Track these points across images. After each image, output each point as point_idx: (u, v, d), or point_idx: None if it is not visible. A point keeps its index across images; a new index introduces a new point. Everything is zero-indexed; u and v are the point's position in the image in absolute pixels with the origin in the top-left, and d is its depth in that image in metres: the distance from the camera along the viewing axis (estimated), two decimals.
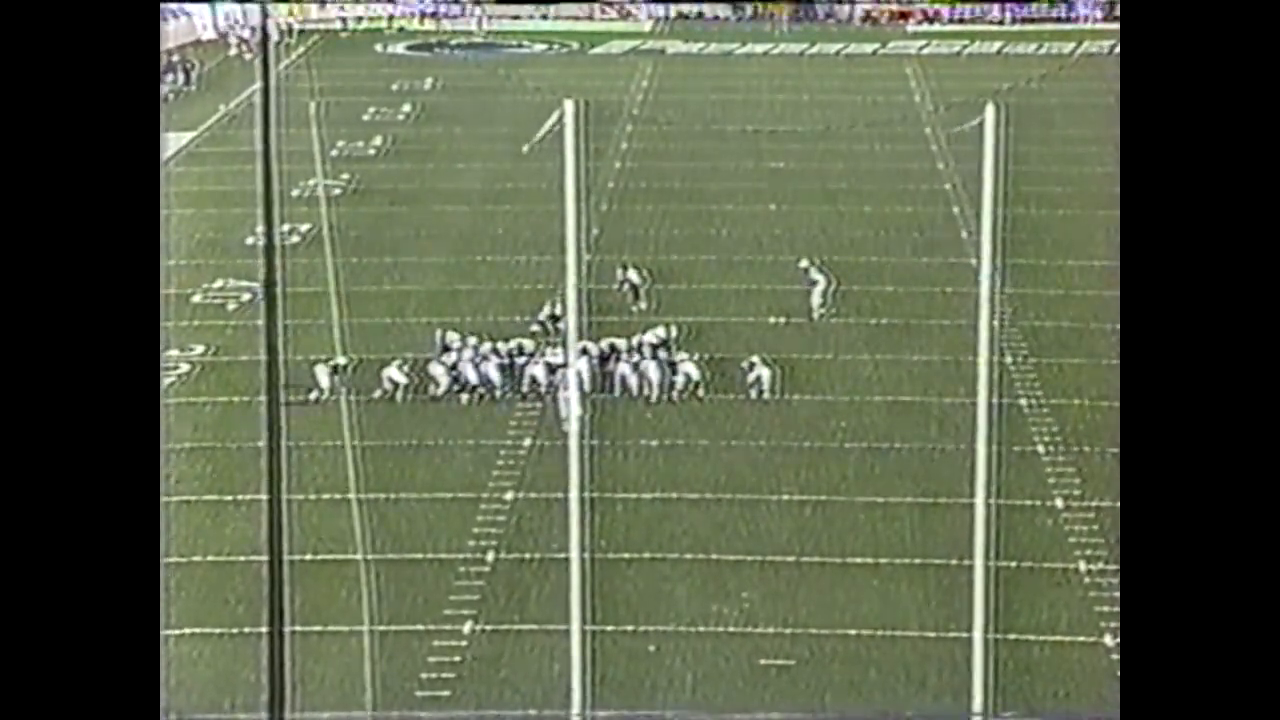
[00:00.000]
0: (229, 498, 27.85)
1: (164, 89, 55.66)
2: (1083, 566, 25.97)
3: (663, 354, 32.32)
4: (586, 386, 30.12)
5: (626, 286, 35.67)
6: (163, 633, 24.15)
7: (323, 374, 30.95)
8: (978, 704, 18.97)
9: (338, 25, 68.69)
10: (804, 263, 36.89)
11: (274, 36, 57.44)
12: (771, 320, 35.73)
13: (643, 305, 35.41)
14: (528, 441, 29.89)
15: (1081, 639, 24.07)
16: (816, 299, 36.09)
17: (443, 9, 69.76)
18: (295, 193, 38.81)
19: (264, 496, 20.29)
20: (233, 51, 62.58)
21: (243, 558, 25.31)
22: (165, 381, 32.81)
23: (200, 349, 34.16)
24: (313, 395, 30.62)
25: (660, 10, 71.17)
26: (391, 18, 69.60)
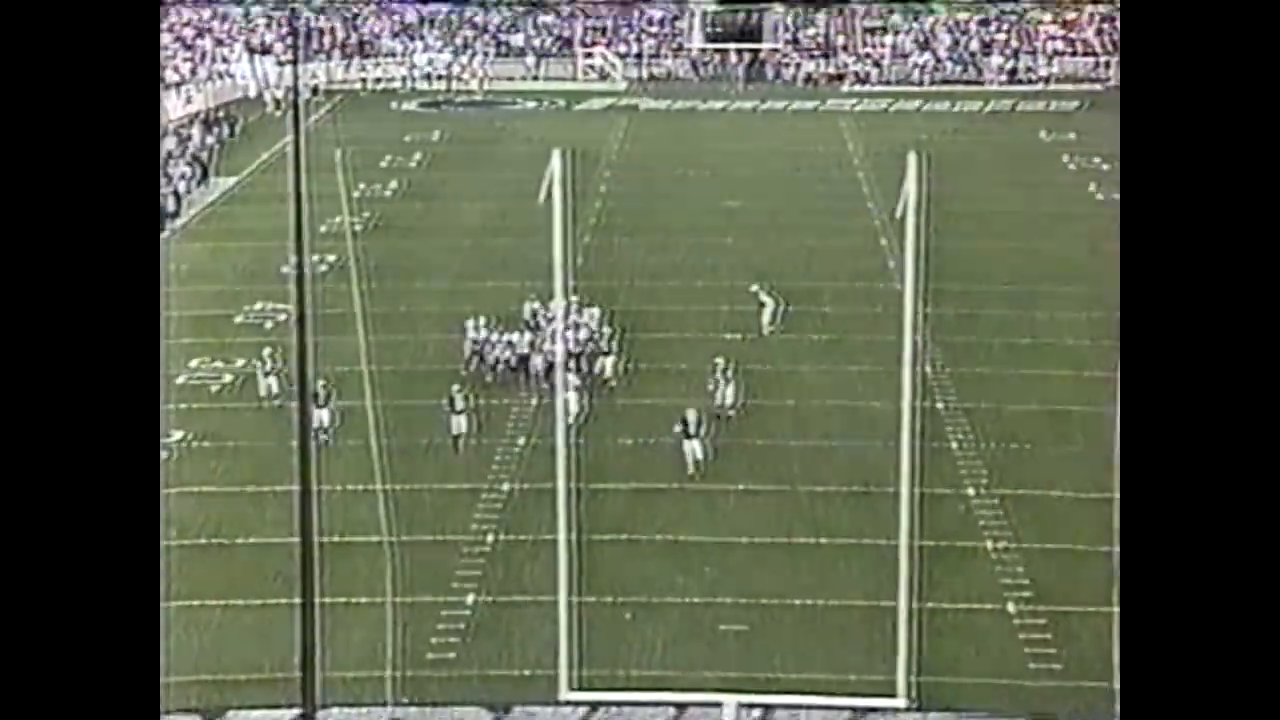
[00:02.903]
0: (266, 489, 27.81)
1: (210, 140, 55.50)
2: (989, 545, 26.07)
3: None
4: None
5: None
6: (207, 603, 24.27)
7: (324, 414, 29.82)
8: (901, 660, 18.91)
9: (358, 86, 68.58)
10: (755, 287, 36.91)
11: (304, 95, 57.37)
12: (728, 336, 35.77)
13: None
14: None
15: (989, 606, 24.19)
16: (766, 318, 36.13)
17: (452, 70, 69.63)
18: (323, 228, 38.74)
19: (296, 487, 20.28)
20: (269, 108, 62.44)
21: (278, 540, 25.26)
22: (213, 388, 32.79)
23: (242, 362, 34.06)
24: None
25: (633, 72, 71.17)
26: (405, 79, 69.48)
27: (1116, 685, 20.76)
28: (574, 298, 33.13)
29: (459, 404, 30.21)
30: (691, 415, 28.85)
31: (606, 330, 34.01)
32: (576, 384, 31.19)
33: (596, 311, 34.50)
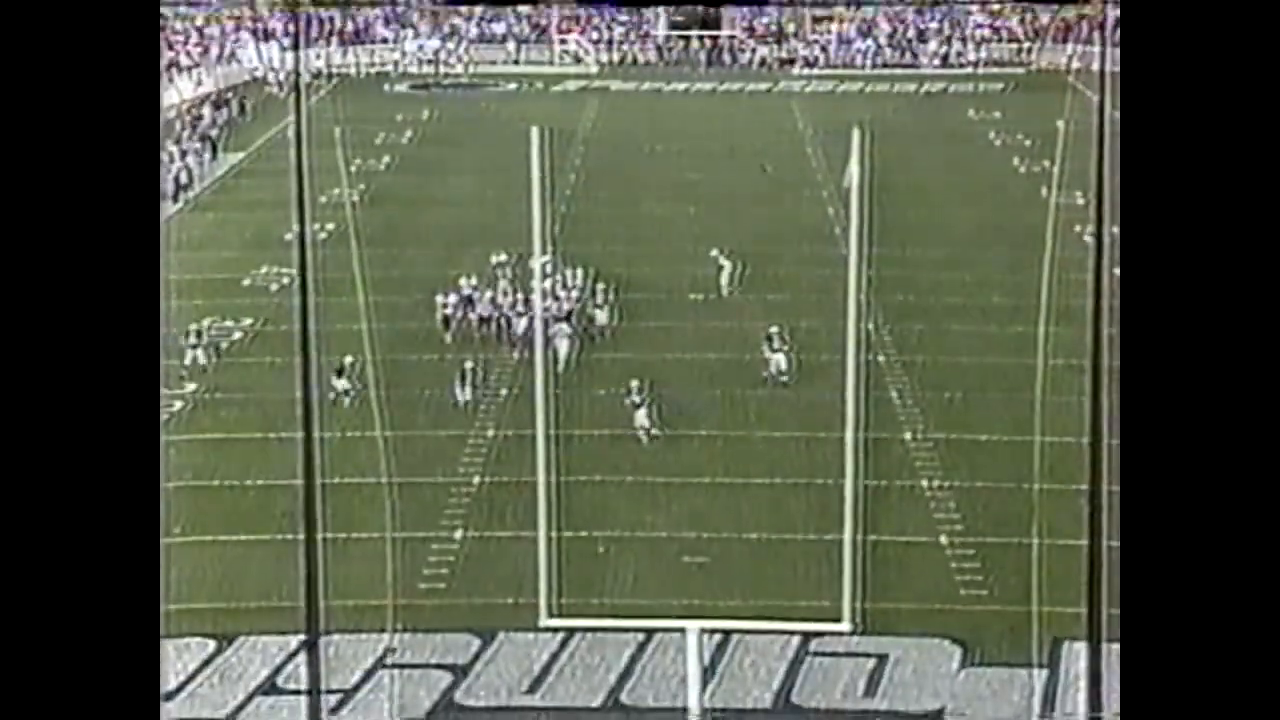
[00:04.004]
0: (272, 435, 27.59)
1: (219, 119, 54.87)
2: (925, 484, 26.08)
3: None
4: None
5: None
6: (219, 537, 24.12)
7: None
8: (846, 588, 18.84)
9: (353, 70, 67.87)
10: (714, 251, 36.72)
11: (305, 78, 56.75)
12: (691, 296, 35.60)
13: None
14: None
15: (924, 539, 24.21)
16: (724, 280, 35.96)
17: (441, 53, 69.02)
18: (323, 199, 38.37)
19: (300, 434, 20.08)
20: (273, 90, 61.74)
21: (283, 481, 25.06)
22: (223, 345, 32.47)
23: (250, 320, 33.77)
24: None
25: (604, 57, 70.65)
26: (397, 64, 68.85)
27: (1035, 609, 20.85)
28: (546, 257, 32.94)
29: (466, 375, 29.46)
30: (635, 384, 28.35)
31: (599, 286, 33.79)
32: (569, 332, 31.19)
33: (581, 272, 34.33)
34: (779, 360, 30.39)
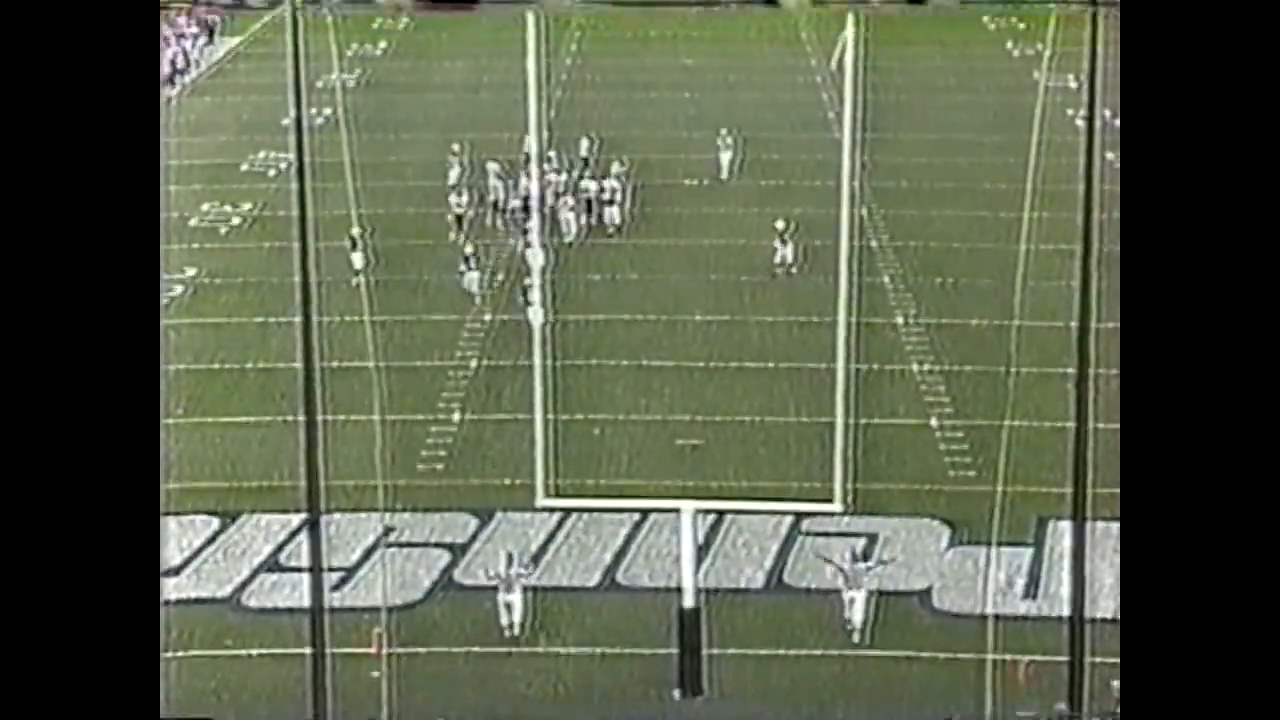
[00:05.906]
0: (271, 320, 27.45)
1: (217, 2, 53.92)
2: (915, 367, 26.03)
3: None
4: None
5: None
6: (220, 419, 24.10)
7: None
8: (838, 470, 18.84)
9: None
10: (723, 130, 36.25)
11: None
12: (687, 182, 35.25)
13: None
14: None
15: (914, 421, 24.23)
16: (724, 166, 35.59)
17: None
18: (319, 84, 37.78)
19: (298, 319, 19.94)
20: None
21: (282, 364, 25.02)
22: (222, 230, 32.17)
23: (248, 205, 33.45)
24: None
25: None
26: None
27: (1001, 488, 20.90)
28: (551, 151, 32.55)
29: (474, 262, 28.55)
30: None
31: (598, 168, 33.41)
32: (572, 205, 31.04)
33: (581, 157, 33.93)
34: (786, 252, 30.00)
